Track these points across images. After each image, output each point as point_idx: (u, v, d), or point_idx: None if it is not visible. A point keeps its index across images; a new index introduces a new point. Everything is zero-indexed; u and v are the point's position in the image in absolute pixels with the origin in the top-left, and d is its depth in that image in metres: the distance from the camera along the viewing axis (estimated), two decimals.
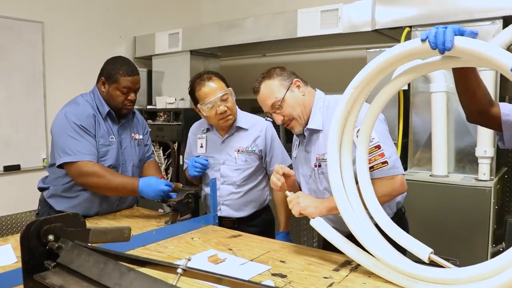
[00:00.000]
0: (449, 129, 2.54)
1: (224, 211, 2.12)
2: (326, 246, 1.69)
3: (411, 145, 2.71)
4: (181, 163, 3.79)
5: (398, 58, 1.21)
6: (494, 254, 2.46)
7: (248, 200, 2.15)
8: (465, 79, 1.25)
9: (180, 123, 3.75)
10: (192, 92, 2.08)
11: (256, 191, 2.17)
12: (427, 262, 1.24)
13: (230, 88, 2.07)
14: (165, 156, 3.95)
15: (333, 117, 1.36)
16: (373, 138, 1.44)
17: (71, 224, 0.97)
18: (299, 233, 3.63)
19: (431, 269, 1.19)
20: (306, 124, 1.65)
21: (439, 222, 2.42)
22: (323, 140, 1.59)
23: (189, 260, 0.72)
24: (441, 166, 2.51)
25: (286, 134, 3.22)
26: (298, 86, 1.66)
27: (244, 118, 2.17)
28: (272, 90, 1.64)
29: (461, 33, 1.09)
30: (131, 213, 2.16)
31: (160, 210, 2.12)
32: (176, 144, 3.80)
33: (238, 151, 2.12)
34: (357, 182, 1.39)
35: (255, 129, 2.14)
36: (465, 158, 2.53)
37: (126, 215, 2.12)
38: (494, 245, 2.45)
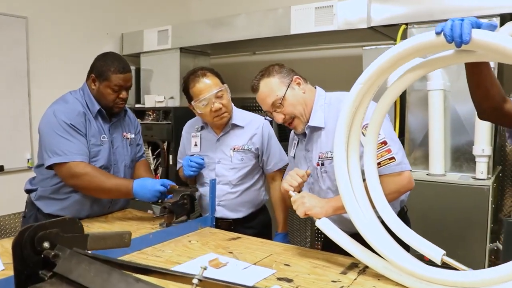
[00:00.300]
0: (446, 128, 2.51)
1: (220, 211, 2.05)
2: (327, 247, 1.64)
3: (407, 144, 2.68)
4: (171, 163, 3.71)
5: (410, 52, 1.16)
6: (490, 252, 2.45)
7: (245, 201, 2.08)
8: (479, 75, 1.20)
9: (169, 122, 3.67)
10: (186, 89, 2.00)
11: (253, 191, 2.11)
12: (439, 264, 1.19)
13: (225, 85, 2.00)
14: (154, 156, 3.86)
15: (340, 113, 1.31)
16: (379, 134, 1.39)
17: (67, 230, 0.89)
18: (292, 233, 3.58)
19: (445, 271, 1.15)
20: (307, 122, 1.59)
21: (436, 221, 2.39)
22: (326, 138, 1.54)
23: (205, 269, 0.65)
24: (438, 165, 2.48)
25: (279, 133, 3.16)
26: (299, 84, 1.60)
27: (240, 115, 2.10)
28: (272, 88, 1.58)
29: (478, 26, 1.05)
30: (123, 215, 2.07)
31: (149, 211, 2.04)
32: (166, 143, 3.72)
33: (234, 149, 2.05)
34: (363, 180, 1.34)
35: (252, 126, 2.08)
36: (462, 157, 2.51)
37: (118, 217, 2.03)
38: (490, 244, 2.44)
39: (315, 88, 1.66)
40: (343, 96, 1.57)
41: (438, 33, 1.08)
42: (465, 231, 2.34)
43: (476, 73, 1.21)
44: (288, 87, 1.57)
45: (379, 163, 1.40)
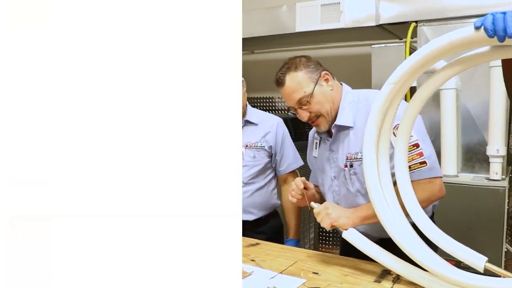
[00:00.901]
0: (457, 127, 2.47)
1: None
2: (345, 253, 1.57)
3: None
4: None
5: (446, 49, 1.09)
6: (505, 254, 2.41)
7: (256, 202, 2.00)
8: None
9: None
10: None
11: (264, 192, 2.03)
12: (481, 271, 1.13)
13: (242, 78, 1.95)
14: None
15: (370, 114, 1.24)
16: (411, 136, 1.33)
17: None
18: None
19: (493, 279, 1.08)
20: (333, 120, 1.52)
21: (450, 224, 2.33)
22: (355, 137, 1.46)
23: None
24: (450, 166, 2.43)
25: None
26: (327, 80, 1.51)
27: (254, 113, 2.06)
28: (299, 83, 1.47)
29: None
30: None
31: None
32: None
33: (246, 146, 1.98)
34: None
35: (266, 124, 2.02)
36: (474, 157, 2.47)
37: None
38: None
39: (341, 84, 1.58)
40: (372, 93, 1.49)
41: (477, 28, 1.01)
42: (480, 233, 2.30)
43: None
44: (316, 83, 1.48)
45: (409, 167, 1.33)
